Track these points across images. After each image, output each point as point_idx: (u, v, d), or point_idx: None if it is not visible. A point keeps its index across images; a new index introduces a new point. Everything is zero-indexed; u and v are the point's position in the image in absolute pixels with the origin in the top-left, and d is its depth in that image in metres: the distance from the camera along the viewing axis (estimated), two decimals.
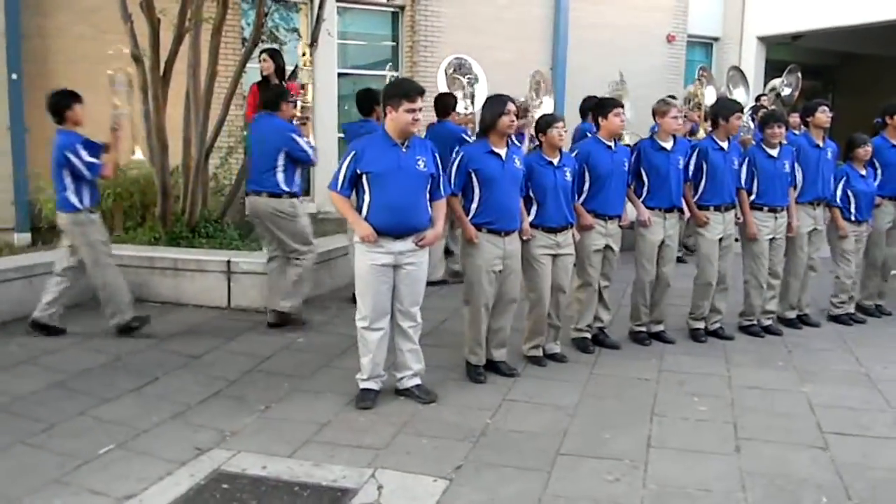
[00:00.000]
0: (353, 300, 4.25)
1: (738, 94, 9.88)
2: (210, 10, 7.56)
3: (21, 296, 5.70)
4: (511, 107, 4.56)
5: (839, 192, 6.09)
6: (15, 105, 8.22)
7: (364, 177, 4.08)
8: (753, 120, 8.40)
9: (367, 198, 4.11)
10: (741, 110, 5.67)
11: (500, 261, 4.56)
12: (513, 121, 4.57)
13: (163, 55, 6.95)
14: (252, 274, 6.15)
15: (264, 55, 7.06)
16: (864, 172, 6.13)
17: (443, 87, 7.92)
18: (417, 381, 4.36)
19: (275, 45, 8.44)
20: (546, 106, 8.24)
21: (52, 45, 8.55)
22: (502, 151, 4.56)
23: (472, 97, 7.56)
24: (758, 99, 9.85)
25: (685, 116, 7.87)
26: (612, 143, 5.20)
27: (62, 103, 5.02)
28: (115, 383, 4.46)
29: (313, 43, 8.28)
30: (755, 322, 5.84)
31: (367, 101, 6.24)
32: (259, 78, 7.19)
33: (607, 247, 5.25)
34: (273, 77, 6.97)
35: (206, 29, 7.39)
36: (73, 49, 8.60)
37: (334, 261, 6.81)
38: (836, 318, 6.24)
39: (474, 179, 4.53)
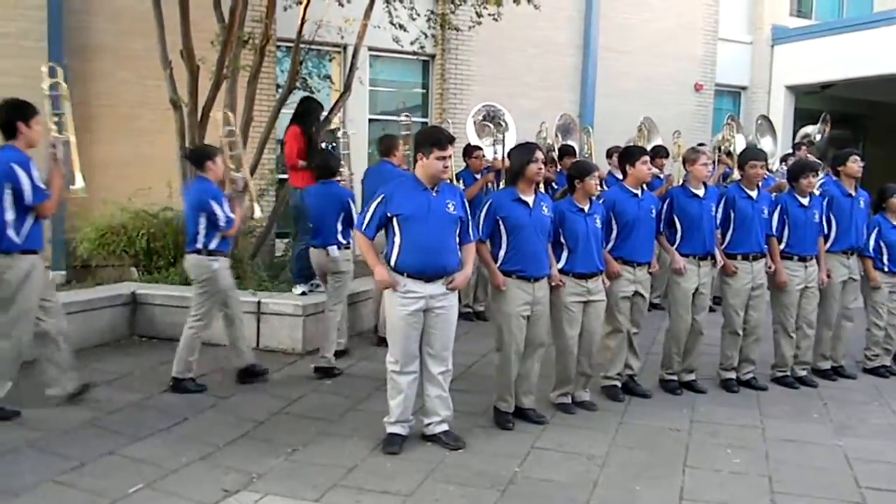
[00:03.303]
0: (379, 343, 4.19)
1: (766, 143, 9.85)
2: (247, 58, 7.80)
3: None
4: (538, 155, 4.62)
5: (871, 243, 6.03)
6: None
7: (394, 219, 4.14)
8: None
9: (397, 240, 4.15)
10: (760, 159, 5.61)
11: (528, 306, 4.55)
12: (540, 168, 4.61)
13: (200, 101, 7.14)
14: (281, 315, 6.19)
15: (316, 104, 7.27)
16: None
17: (471, 135, 8.00)
18: (445, 427, 4.34)
19: (310, 93, 8.63)
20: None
21: (94, 89, 8.81)
22: (530, 199, 4.59)
23: (503, 144, 7.62)
24: (798, 147, 9.80)
25: (719, 162, 7.86)
26: (638, 191, 5.21)
27: (211, 154, 5.28)
28: (145, 422, 4.49)
29: (346, 90, 8.48)
30: (788, 373, 5.74)
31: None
32: (289, 122, 7.33)
33: (636, 293, 5.23)
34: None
35: (243, 76, 7.61)
36: (115, 93, 8.87)
37: (362, 303, 6.84)
38: (872, 371, 6.11)
39: (502, 227, 4.56)
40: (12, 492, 3.53)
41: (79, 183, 4.73)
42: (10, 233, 4.33)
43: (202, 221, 5.10)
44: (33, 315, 4.53)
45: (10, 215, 4.32)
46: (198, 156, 5.33)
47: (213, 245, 5.14)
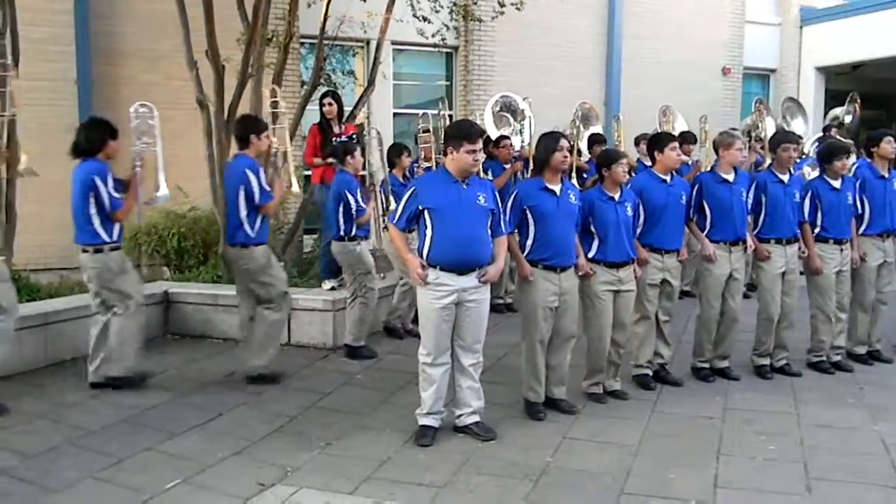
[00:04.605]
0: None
1: (797, 125, 9.65)
2: (271, 57, 7.85)
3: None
4: (564, 143, 4.59)
5: None
6: None
7: (426, 212, 4.16)
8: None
9: (428, 233, 4.17)
10: (792, 141, 5.51)
11: (555, 297, 4.54)
12: (566, 157, 4.58)
13: (226, 100, 7.20)
14: (311, 311, 6.24)
15: (328, 98, 7.24)
16: None
17: (489, 126, 7.97)
18: (476, 418, 4.34)
19: (334, 89, 8.66)
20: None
21: (122, 92, 8.91)
22: (557, 188, 4.57)
23: (531, 133, 7.57)
24: (828, 130, 9.61)
25: (749, 149, 7.74)
26: (667, 177, 5.16)
27: (350, 149, 5.96)
28: (180, 419, 4.56)
29: (370, 84, 8.50)
30: (824, 358, 5.66)
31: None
32: (318, 119, 7.38)
33: (665, 281, 5.18)
34: (335, 121, 7.16)
35: (268, 74, 7.66)
36: (142, 95, 8.87)
37: (389, 298, 6.86)
38: None
39: (529, 216, 4.55)
40: (54, 488, 3.61)
41: (294, 187, 5.51)
42: (246, 228, 5.03)
43: (340, 210, 5.72)
44: (286, 286, 5.29)
45: (243, 212, 5.00)
46: (342, 151, 5.93)
47: (353, 231, 5.78)
